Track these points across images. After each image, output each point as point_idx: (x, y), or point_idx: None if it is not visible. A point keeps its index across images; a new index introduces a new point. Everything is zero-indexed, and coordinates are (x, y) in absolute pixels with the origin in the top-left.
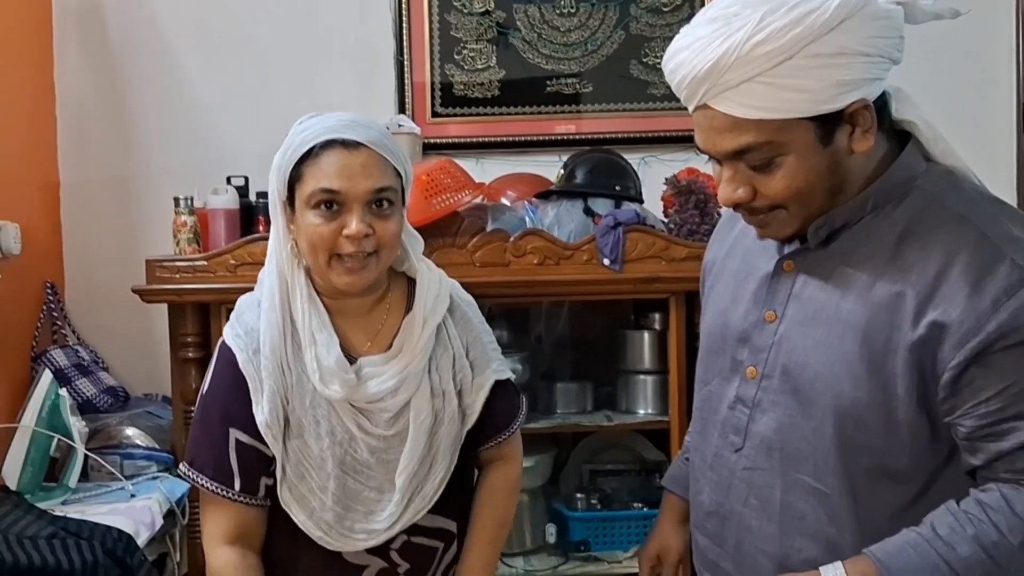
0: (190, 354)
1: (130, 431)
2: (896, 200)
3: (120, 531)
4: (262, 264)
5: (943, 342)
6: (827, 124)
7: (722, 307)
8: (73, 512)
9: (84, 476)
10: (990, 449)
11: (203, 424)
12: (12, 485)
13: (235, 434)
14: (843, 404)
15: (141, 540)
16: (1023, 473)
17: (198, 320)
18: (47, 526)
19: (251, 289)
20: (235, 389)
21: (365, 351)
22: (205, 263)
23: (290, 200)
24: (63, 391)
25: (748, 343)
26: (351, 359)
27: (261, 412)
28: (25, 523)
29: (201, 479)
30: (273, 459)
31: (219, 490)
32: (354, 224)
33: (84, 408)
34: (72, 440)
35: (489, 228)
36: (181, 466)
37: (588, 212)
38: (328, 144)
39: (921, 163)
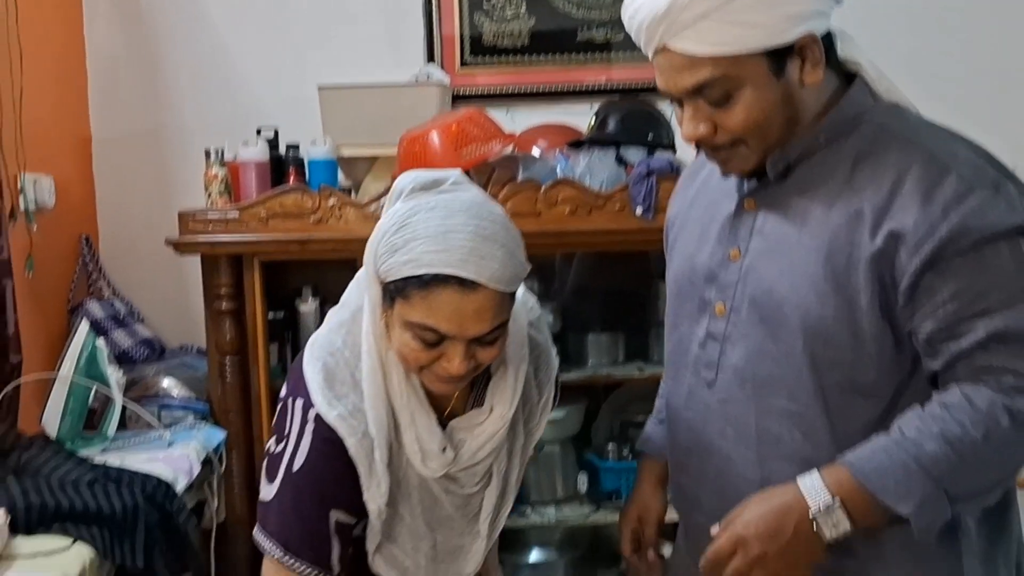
0: (224, 306)
1: (167, 382)
2: (847, 133)
3: (159, 478)
4: (293, 216)
5: (899, 250)
6: (778, 57)
7: (688, 252)
8: (112, 460)
9: (122, 425)
10: (949, 350)
11: (296, 506)
12: (52, 434)
13: (335, 515)
14: (810, 322)
15: (179, 487)
16: (982, 371)
17: (231, 272)
18: (87, 472)
19: (283, 244)
20: (340, 471)
21: (451, 406)
22: (237, 215)
23: (386, 291)
24: (100, 341)
25: (715, 281)
26: (442, 423)
27: (375, 500)
28: (66, 469)
29: (300, 565)
30: (356, 527)
31: (317, 574)
32: (456, 363)
33: (120, 359)
34: (110, 389)
35: (520, 178)
36: (271, 547)
37: (620, 161)
38: (443, 279)
39: (869, 99)
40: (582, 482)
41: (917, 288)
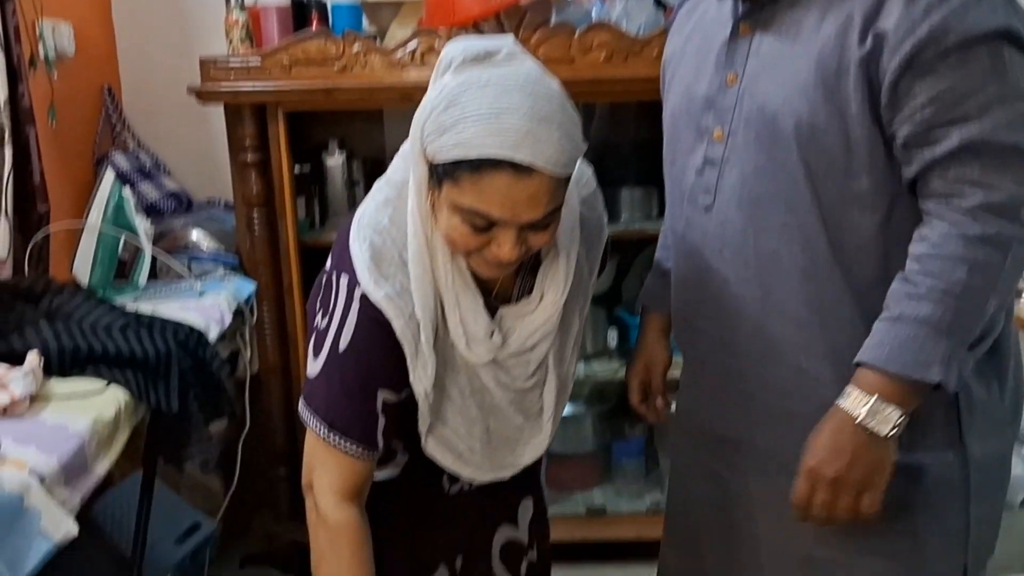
0: (249, 158)
1: (195, 234)
2: None
3: (191, 326)
4: (317, 63)
5: (883, 50)
6: None
7: (685, 85)
8: (144, 309)
9: (152, 276)
10: (923, 157)
11: (343, 386)
12: (83, 282)
13: (382, 394)
14: (803, 131)
15: (212, 335)
16: (955, 182)
17: (255, 123)
18: (119, 318)
19: (307, 93)
20: (386, 351)
21: (497, 289)
22: (259, 62)
23: (433, 172)
24: (126, 191)
25: (713, 108)
26: (491, 310)
27: (422, 382)
28: (98, 314)
29: (345, 443)
30: (406, 413)
31: (364, 455)
32: (506, 249)
33: (148, 212)
34: (138, 238)
35: (553, 22)
36: (316, 424)
37: (659, 4)
38: (495, 163)
39: None
40: (612, 338)
41: (897, 89)
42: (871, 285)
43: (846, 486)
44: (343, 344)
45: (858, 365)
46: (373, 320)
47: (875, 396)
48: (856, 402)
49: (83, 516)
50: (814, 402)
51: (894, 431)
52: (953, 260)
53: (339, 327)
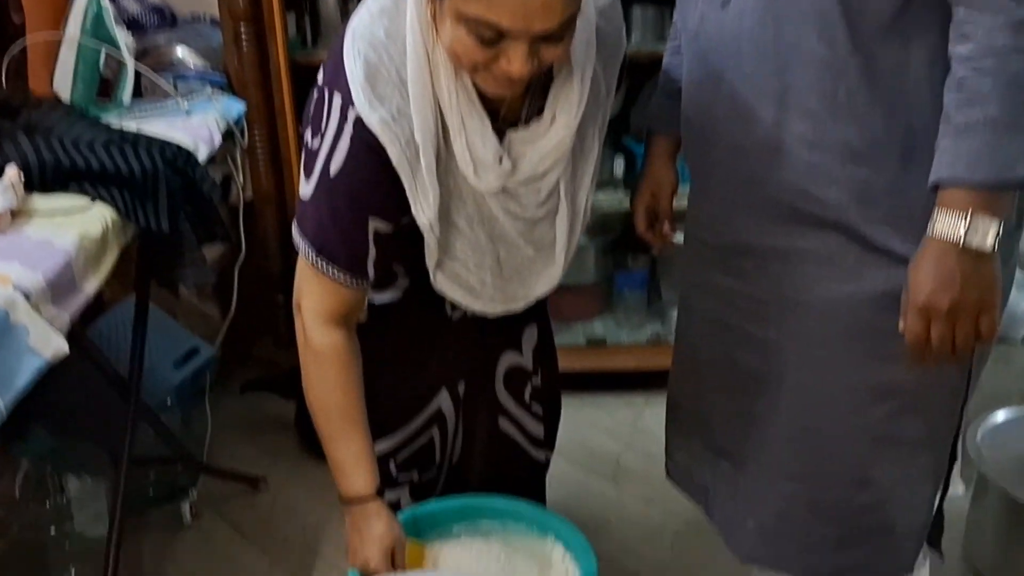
0: None
1: (180, 51)
2: None
3: (179, 145)
4: None
5: None
6: None
7: None
8: (129, 127)
9: (137, 95)
10: None
11: (333, 211)
12: (65, 98)
13: (374, 223)
14: None
15: (201, 156)
16: None
17: None
18: (103, 134)
19: None
20: (381, 178)
21: (506, 112)
22: None
23: None
24: (105, 0)
25: None
26: (498, 134)
27: (424, 213)
28: (81, 129)
29: (332, 269)
30: (406, 242)
31: (351, 283)
32: (517, 64)
33: (130, 26)
34: (120, 52)
35: None
36: (305, 248)
37: None
38: None
39: None
40: (618, 167)
41: None
42: (891, 73)
43: (964, 312)
44: (334, 168)
45: (935, 188)
46: (367, 145)
47: (969, 211)
48: (951, 225)
49: (77, 339)
50: (823, 199)
51: (995, 243)
52: (1007, 52)
53: (330, 150)
